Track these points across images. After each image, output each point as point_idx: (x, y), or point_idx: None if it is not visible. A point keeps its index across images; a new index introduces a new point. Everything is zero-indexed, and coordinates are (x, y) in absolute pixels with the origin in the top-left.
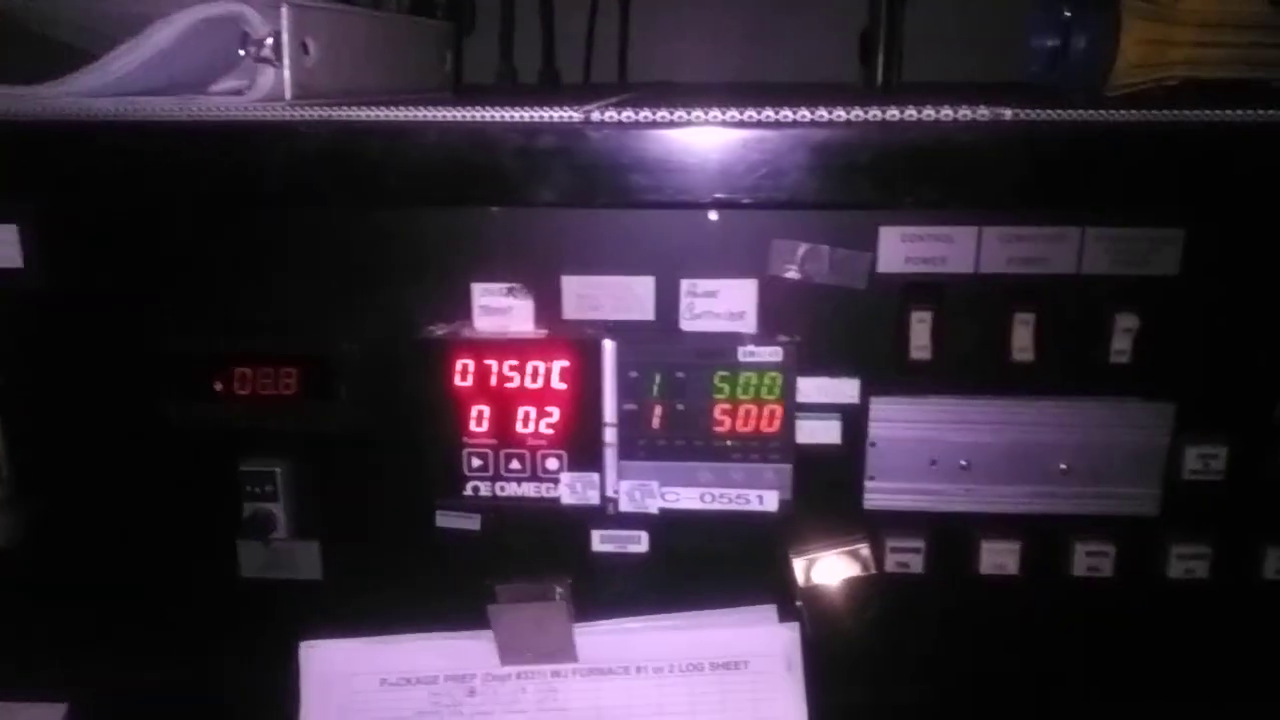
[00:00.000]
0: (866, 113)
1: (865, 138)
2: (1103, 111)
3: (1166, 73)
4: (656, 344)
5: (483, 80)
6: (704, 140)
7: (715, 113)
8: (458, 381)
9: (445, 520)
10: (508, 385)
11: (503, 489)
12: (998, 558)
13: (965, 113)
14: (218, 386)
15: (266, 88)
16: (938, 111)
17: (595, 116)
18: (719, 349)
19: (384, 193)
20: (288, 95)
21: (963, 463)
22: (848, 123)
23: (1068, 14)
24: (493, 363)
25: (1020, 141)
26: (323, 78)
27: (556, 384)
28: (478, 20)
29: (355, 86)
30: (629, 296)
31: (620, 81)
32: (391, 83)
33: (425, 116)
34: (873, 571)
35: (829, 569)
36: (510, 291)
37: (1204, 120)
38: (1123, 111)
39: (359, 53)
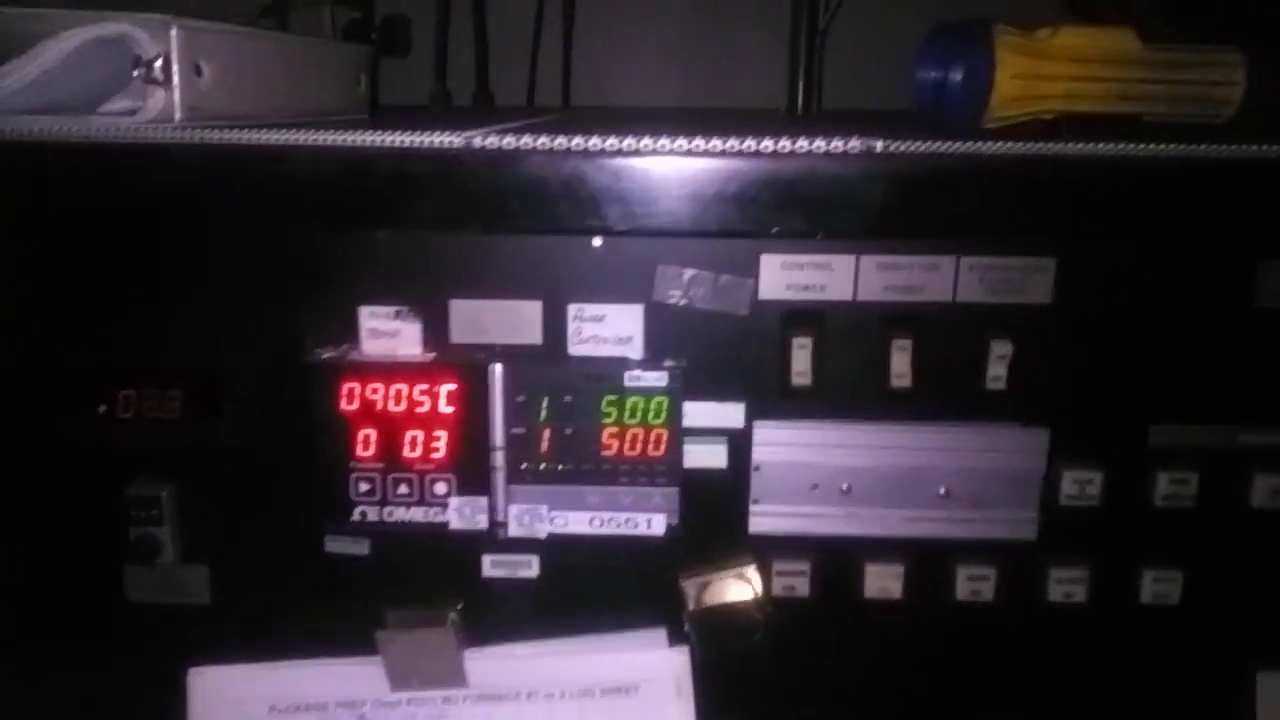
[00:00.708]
0: (742, 143)
1: (732, 169)
2: (971, 143)
3: (1043, 106)
4: (544, 368)
5: (419, 103)
6: (575, 168)
7: (595, 141)
8: (344, 405)
9: (334, 545)
10: (395, 409)
11: (391, 514)
12: (882, 581)
13: (837, 144)
14: (102, 408)
15: (156, 109)
16: (810, 143)
17: (477, 143)
18: (606, 373)
19: (257, 214)
20: (178, 116)
21: (844, 486)
22: (722, 152)
23: (948, 47)
24: (380, 386)
25: (885, 173)
26: (219, 100)
27: (444, 408)
28: (417, 43)
29: (258, 109)
30: (516, 321)
31: (563, 105)
32: (300, 105)
33: (307, 140)
34: (760, 595)
35: (717, 592)
36: (398, 315)
37: (1070, 153)
38: (990, 143)
39: (263, 75)
